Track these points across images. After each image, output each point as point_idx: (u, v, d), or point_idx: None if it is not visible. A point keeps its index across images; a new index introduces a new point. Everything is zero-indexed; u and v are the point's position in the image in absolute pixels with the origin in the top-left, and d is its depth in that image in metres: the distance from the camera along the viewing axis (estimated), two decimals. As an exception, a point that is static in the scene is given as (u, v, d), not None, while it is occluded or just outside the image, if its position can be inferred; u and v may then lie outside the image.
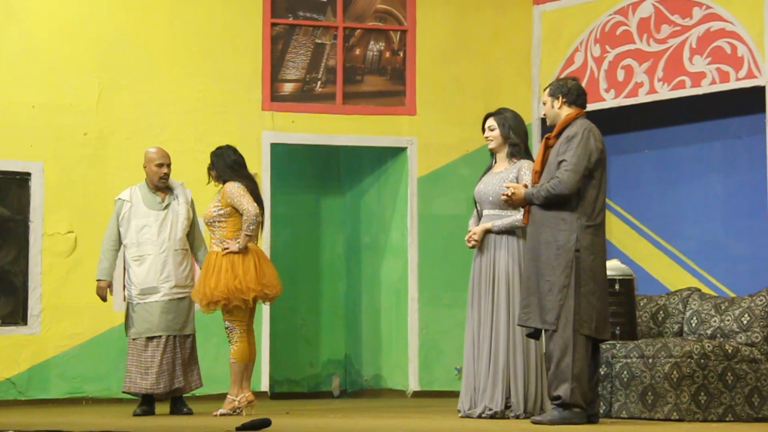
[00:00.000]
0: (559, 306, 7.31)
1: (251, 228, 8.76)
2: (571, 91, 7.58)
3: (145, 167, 9.19)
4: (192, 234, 9.24)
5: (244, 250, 8.78)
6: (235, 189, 8.82)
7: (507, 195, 7.58)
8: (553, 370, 7.34)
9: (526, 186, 7.61)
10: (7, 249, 10.68)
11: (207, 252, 9.09)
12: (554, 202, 7.38)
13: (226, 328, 8.85)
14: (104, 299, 9.23)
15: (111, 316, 10.60)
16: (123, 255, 9.23)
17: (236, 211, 8.83)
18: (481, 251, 8.20)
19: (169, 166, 9.16)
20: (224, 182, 8.92)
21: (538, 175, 7.55)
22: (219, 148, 9.04)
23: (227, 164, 8.93)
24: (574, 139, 7.40)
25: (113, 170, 10.81)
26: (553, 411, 7.37)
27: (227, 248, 8.78)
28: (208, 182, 9.09)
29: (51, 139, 10.79)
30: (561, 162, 7.38)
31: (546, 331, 7.41)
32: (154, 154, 9.17)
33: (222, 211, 8.83)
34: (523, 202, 7.56)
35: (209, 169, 9.02)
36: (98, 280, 9.17)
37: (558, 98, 7.59)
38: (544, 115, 7.71)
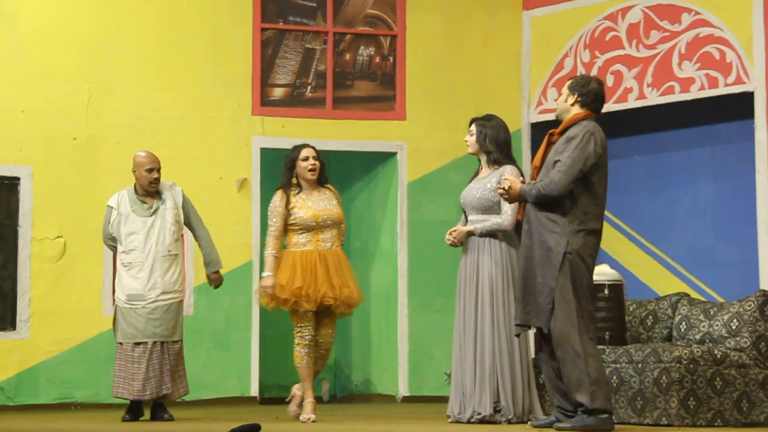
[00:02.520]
0: (548, 310, 7.29)
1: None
2: (589, 93, 7.42)
3: (134, 171, 9.05)
4: (196, 231, 9.16)
5: None
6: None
7: (504, 189, 7.50)
8: (567, 375, 7.25)
9: (523, 181, 7.57)
10: (-3, 254, 10.68)
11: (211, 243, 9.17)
12: (545, 203, 7.32)
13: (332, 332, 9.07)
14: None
15: (100, 320, 10.59)
16: (114, 259, 9.20)
17: None
18: (466, 254, 8.22)
19: (159, 170, 9.03)
20: (324, 184, 9.00)
21: (536, 170, 7.47)
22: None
23: None
24: (573, 140, 7.30)
25: (103, 175, 10.79)
26: (577, 417, 7.28)
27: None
28: (323, 182, 9.02)
29: (41, 143, 10.77)
30: (556, 162, 7.33)
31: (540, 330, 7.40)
32: (143, 159, 9.03)
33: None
34: (519, 198, 7.49)
35: (322, 169, 9.02)
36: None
37: (573, 95, 7.44)
38: (557, 106, 7.60)
